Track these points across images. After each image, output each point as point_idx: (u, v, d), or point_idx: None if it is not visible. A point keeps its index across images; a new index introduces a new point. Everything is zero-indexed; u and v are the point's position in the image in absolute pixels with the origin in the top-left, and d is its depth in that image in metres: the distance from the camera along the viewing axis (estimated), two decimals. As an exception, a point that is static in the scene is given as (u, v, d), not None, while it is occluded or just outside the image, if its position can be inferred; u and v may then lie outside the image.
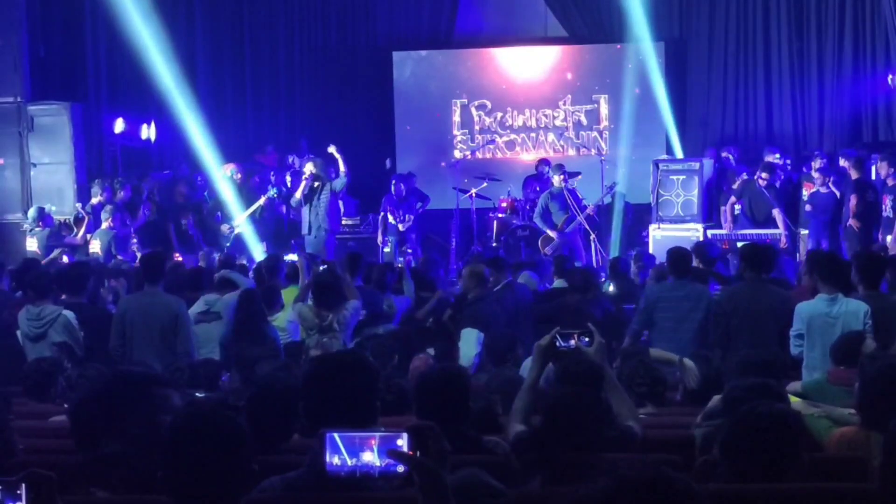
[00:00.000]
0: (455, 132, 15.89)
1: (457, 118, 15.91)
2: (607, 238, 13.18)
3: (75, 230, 12.10)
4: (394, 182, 13.31)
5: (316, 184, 12.02)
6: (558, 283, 9.06)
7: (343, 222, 13.70)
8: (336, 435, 2.38)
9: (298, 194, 12.17)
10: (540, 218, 12.51)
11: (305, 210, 12.16)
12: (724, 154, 14.01)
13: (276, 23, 16.03)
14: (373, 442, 2.36)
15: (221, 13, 15.86)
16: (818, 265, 6.94)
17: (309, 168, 12.12)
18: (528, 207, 13.32)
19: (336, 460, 2.37)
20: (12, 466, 3.83)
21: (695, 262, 8.73)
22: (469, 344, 7.60)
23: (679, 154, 14.30)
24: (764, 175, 12.35)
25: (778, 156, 13.35)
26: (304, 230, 12.20)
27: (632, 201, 13.80)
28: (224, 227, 12.58)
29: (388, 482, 2.50)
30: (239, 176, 12.90)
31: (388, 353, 7.04)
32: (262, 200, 12.64)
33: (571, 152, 15.51)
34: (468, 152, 15.26)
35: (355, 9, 16.07)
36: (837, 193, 12.23)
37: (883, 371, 4.22)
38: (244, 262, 11.22)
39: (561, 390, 4.05)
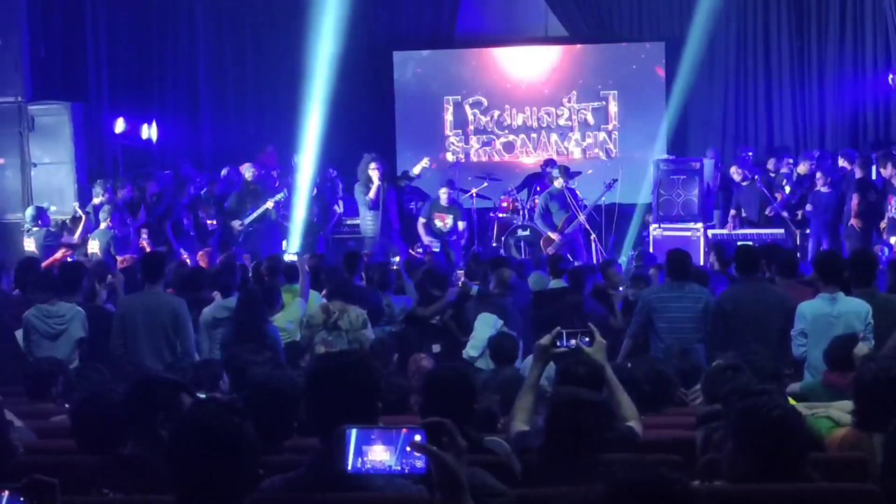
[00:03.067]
0: (447, 132, 15.90)
1: (450, 117, 15.91)
2: (608, 238, 13.17)
3: (73, 230, 12.09)
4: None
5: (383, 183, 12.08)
6: (555, 282, 9.07)
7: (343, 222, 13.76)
8: (356, 431, 2.37)
9: (372, 195, 12.16)
10: (541, 219, 12.51)
11: (371, 214, 12.09)
12: (745, 154, 14.04)
13: (276, 22, 16.04)
14: (392, 438, 2.36)
15: (222, 12, 15.87)
16: (818, 264, 6.95)
17: (375, 171, 12.12)
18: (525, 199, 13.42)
19: (356, 458, 2.37)
20: (12, 467, 3.83)
21: (712, 261, 8.75)
22: (486, 327, 7.60)
23: (682, 153, 14.34)
24: (734, 169, 12.67)
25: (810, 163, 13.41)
26: (370, 232, 12.13)
27: (632, 201, 13.80)
28: (235, 224, 12.61)
29: (406, 479, 2.51)
30: (251, 173, 12.97)
31: (389, 352, 7.05)
32: (269, 203, 12.65)
33: (577, 154, 15.51)
34: (462, 155, 15.22)
35: (355, 9, 16.06)
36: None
37: (879, 373, 4.22)
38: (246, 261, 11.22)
39: (562, 393, 4.05)
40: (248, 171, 13.01)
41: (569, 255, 11.85)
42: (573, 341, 4.17)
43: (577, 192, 12.90)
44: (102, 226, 11.67)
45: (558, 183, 12.53)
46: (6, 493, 2.40)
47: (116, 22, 14.94)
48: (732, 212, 12.75)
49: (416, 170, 12.47)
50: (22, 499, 2.38)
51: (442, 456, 2.30)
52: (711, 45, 15.49)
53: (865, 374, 4.32)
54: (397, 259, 11.92)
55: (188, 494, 2.68)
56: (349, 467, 2.38)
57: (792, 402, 4.76)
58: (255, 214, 12.59)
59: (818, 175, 12.51)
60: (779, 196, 12.77)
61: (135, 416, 3.67)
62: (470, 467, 2.94)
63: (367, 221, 12.29)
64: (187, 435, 2.72)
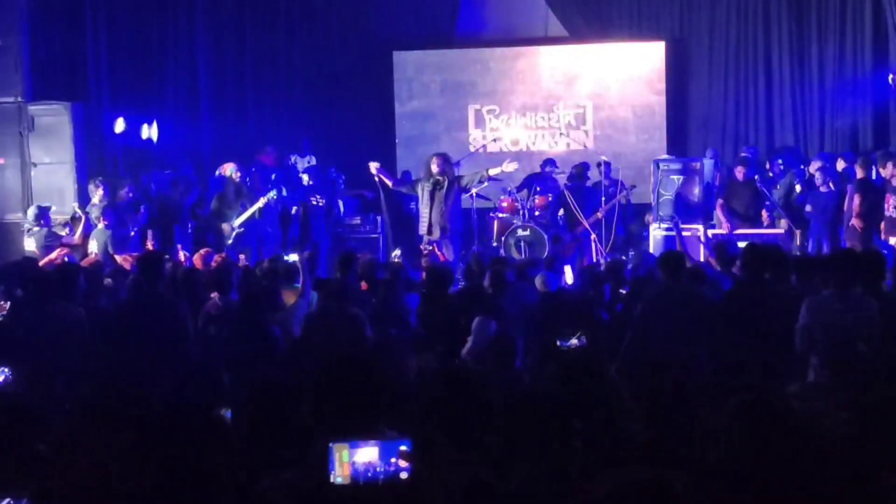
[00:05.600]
0: (447, 131, 15.91)
1: (450, 116, 15.92)
2: (608, 238, 13.18)
3: (73, 230, 12.09)
4: None
5: (441, 179, 11.88)
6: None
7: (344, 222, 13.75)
8: (339, 446, 2.40)
9: (417, 190, 12.09)
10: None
11: (424, 209, 11.98)
12: (743, 154, 14.06)
13: (276, 22, 16.05)
14: (376, 449, 2.39)
15: (223, 12, 15.88)
16: (828, 262, 6.94)
17: (433, 165, 11.99)
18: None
19: (340, 472, 2.40)
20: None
21: (714, 262, 8.74)
22: (483, 332, 7.55)
23: (682, 153, 14.36)
24: (739, 168, 12.59)
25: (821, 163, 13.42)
26: (423, 230, 12.09)
27: (632, 201, 13.81)
28: (225, 227, 12.58)
29: (393, 487, 2.52)
30: (238, 175, 12.89)
31: (394, 352, 7.01)
32: (261, 202, 12.64)
33: (575, 152, 15.52)
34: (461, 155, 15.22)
35: (355, 8, 16.08)
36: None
37: (879, 373, 4.24)
38: (245, 262, 11.23)
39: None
40: (231, 171, 12.96)
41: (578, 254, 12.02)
42: (573, 340, 4.18)
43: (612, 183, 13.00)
44: (100, 226, 11.67)
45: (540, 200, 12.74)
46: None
47: (116, 22, 14.95)
48: (720, 200, 12.74)
49: (493, 171, 12.19)
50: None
51: (428, 464, 2.31)
52: (711, 45, 15.51)
53: (866, 374, 4.33)
54: (398, 252, 11.92)
55: (172, 494, 2.62)
56: (331, 479, 2.41)
57: (793, 400, 4.78)
58: (245, 215, 12.58)
59: (817, 175, 12.53)
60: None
61: None
62: (469, 467, 2.95)
63: (422, 218, 12.04)
64: (164, 433, 2.68)
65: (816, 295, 6.65)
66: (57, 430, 4.34)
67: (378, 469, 2.41)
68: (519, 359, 6.73)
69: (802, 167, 13.54)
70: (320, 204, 13.39)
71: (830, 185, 12.38)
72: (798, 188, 13.09)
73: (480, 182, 12.38)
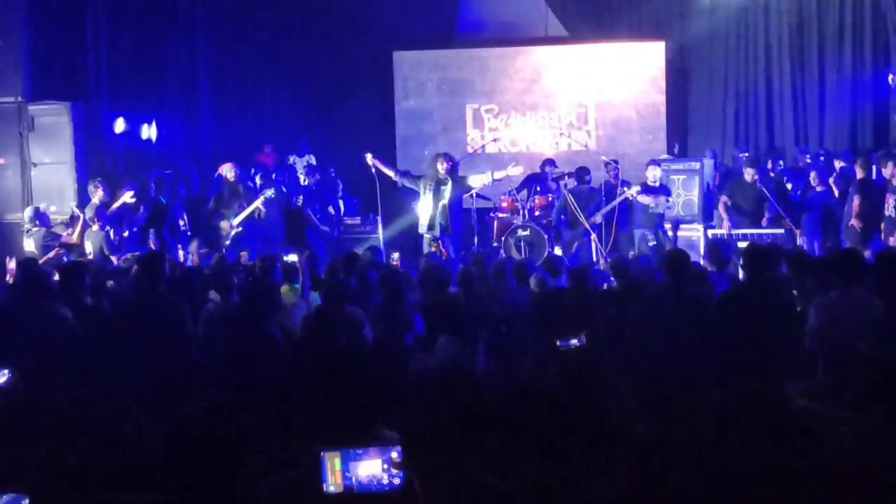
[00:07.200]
0: (447, 131, 15.93)
1: (449, 116, 15.93)
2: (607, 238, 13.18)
3: (71, 229, 12.09)
4: None
5: (445, 178, 11.79)
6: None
7: (344, 222, 13.74)
8: (330, 454, 2.40)
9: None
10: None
11: (425, 207, 11.98)
12: (740, 154, 14.07)
13: (276, 22, 16.06)
14: (368, 457, 2.39)
15: (223, 12, 15.89)
16: (835, 262, 6.93)
17: (440, 165, 11.95)
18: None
19: (332, 480, 2.40)
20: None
21: (704, 263, 8.73)
22: (445, 351, 7.48)
23: (682, 153, 14.37)
24: (749, 170, 12.68)
25: (809, 157, 13.44)
26: (422, 228, 12.02)
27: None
28: (224, 224, 12.58)
29: (387, 493, 2.52)
30: (233, 174, 12.87)
31: (405, 352, 7.00)
32: (259, 201, 12.64)
33: (574, 151, 15.54)
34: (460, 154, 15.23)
35: (355, 8, 16.09)
36: (836, 191, 12.32)
37: (877, 373, 4.23)
38: (245, 261, 11.23)
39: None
40: (228, 171, 12.95)
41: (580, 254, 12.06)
42: (573, 340, 4.18)
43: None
44: (94, 227, 11.67)
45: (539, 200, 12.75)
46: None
47: (116, 22, 14.93)
48: (724, 198, 12.72)
49: (499, 175, 12.17)
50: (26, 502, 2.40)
51: (419, 471, 2.32)
52: (711, 45, 15.52)
53: (868, 374, 4.32)
54: (397, 255, 11.91)
55: (181, 492, 2.65)
56: (324, 490, 2.41)
57: (794, 399, 4.78)
58: (243, 214, 12.57)
59: (812, 175, 12.54)
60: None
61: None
62: (470, 468, 2.95)
63: (421, 215, 12.01)
64: (179, 434, 2.67)
65: (824, 296, 6.64)
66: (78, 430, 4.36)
67: (383, 482, 2.41)
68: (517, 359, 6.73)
69: (790, 164, 13.61)
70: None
71: (829, 183, 12.38)
72: (789, 186, 13.11)
73: (484, 184, 12.41)
